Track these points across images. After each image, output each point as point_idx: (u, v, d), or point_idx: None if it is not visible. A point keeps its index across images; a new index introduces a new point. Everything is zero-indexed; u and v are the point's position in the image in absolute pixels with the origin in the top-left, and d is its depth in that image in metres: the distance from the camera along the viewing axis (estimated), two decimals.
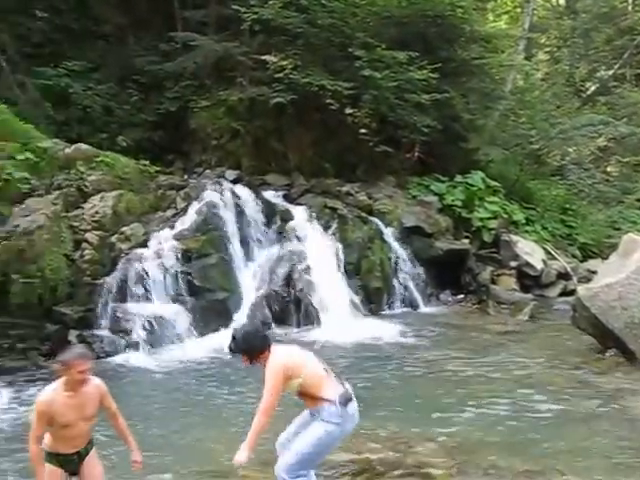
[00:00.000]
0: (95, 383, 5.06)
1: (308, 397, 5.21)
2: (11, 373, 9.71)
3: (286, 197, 14.17)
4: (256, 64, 15.13)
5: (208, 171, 14.32)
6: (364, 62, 14.68)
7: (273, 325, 12.01)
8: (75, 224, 11.16)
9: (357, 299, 13.02)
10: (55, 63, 15.15)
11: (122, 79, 15.90)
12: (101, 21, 16.91)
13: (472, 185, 15.88)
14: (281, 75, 14.50)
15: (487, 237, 15.39)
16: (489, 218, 15.50)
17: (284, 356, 5.16)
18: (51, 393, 4.92)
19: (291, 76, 14.43)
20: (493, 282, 14.54)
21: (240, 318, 11.85)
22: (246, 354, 5.19)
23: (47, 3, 15.71)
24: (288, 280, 12.51)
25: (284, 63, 14.55)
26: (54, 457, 5.03)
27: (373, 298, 13.41)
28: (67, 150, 11.87)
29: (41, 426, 4.90)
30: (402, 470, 6.52)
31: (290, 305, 12.35)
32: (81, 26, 16.44)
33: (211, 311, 11.68)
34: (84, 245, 11.08)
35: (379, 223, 14.20)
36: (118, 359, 10.40)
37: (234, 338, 5.21)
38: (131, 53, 16.25)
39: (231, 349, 5.21)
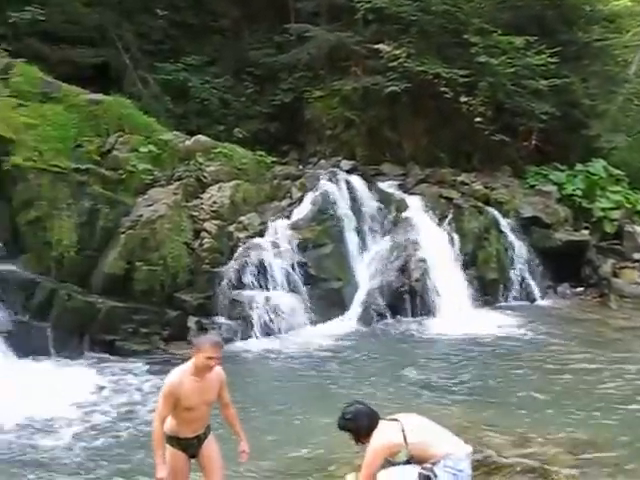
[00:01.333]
0: (217, 370, 5.15)
1: (420, 461, 5.15)
2: (134, 356, 10.17)
3: (401, 187, 14.06)
4: (370, 53, 15.07)
5: (323, 161, 14.38)
6: (480, 48, 14.36)
7: (387, 315, 11.99)
8: (194, 214, 11.47)
9: (472, 290, 12.82)
10: (174, 59, 15.66)
11: (237, 72, 16.23)
12: (217, 16, 17.33)
13: (593, 174, 15.26)
14: (395, 64, 14.39)
15: (609, 228, 14.75)
16: (611, 208, 14.85)
17: (386, 437, 5.10)
18: (179, 375, 5.04)
19: (405, 64, 14.29)
20: (615, 275, 13.93)
21: (355, 308, 11.94)
22: (353, 434, 5.21)
23: (167, 1, 16.22)
24: (403, 270, 12.42)
25: (398, 52, 14.42)
26: (175, 441, 5.15)
27: (488, 290, 13.14)
28: (187, 142, 12.21)
29: (167, 407, 5.03)
30: (522, 467, 6.35)
31: (405, 295, 12.27)
32: (198, 22, 16.91)
33: (326, 300, 11.77)
34: (203, 234, 11.38)
35: (496, 213, 13.87)
36: (235, 346, 10.62)
37: (344, 415, 5.22)
38: (246, 46, 16.56)
39: (339, 425, 5.23)
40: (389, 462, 5.14)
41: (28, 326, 9.86)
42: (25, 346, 9.62)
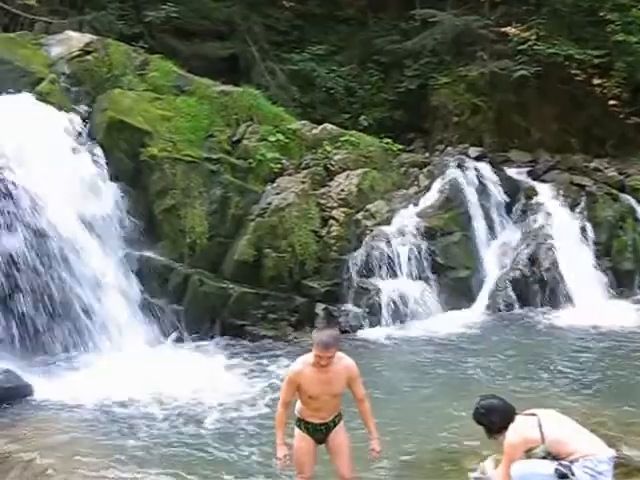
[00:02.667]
0: (345, 363, 5.13)
1: (557, 458, 4.98)
2: (263, 341, 10.38)
3: (530, 174, 13.62)
4: (497, 37, 14.72)
5: (449, 148, 14.14)
6: (616, 26, 13.69)
7: (516, 306, 11.68)
8: (322, 201, 11.56)
9: (606, 281, 12.28)
10: (301, 49, 15.90)
11: (363, 60, 16.27)
12: (342, 5, 17.46)
13: None
14: (524, 47, 14.01)
15: None
16: None
17: (523, 432, 4.98)
18: (302, 364, 5.09)
19: (535, 47, 13.86)
20: None
21: (483, 297, 11.71)
22: (486, 428, 5.12)
23: None
24: (532, 259, 12.05)
25: (527, 34, 14.02)
26: (303, 423, 5.22)
27: (624, 281, 12.50)
28: (314, 131, 12.31)
29: (288, 392, 5.11)
30: None
31: (534, 285, 11.90)
32: (323, 11, 17.10)
33: (453, 289, 11.60)
34: (331, 222, 11.45)
35: (632, 201, 13.18)
36: (363, 333, 10.66)
37: (479, 409, 5.13)
38: (371, 34, 16.58)
39: (474, 419, 5.14)
40: (527, 456, 5.03)
41: (163, 310, 10.25)
42: (161, 329, 10.06)
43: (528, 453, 5.03)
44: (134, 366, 8.86)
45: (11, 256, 8.96)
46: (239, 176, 11.23)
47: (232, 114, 11.69)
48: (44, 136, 9.63)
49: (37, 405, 8.09)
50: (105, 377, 8.53)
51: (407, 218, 11.82)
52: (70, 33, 11.65)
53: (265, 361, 9.56)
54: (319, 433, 5.23)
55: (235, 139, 11.52)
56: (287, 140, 11.82)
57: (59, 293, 9.18)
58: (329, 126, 12.54)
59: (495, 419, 5.08)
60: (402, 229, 11.62)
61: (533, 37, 13.92)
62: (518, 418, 5.06)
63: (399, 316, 11.04)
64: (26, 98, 10.05)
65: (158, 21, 14.55)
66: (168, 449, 7.01)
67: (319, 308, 10.89)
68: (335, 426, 5.25)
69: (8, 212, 8.98)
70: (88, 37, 11.63)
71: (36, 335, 9.17)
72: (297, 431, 5.24)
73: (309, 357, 5.07)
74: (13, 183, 9.02)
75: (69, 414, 7.88)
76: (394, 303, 11.09)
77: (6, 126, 9.32)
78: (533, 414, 5.08)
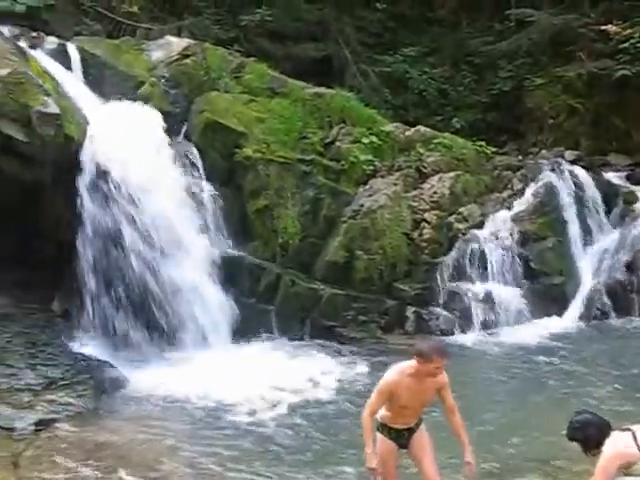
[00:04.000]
0: None
1: None
2: (352, 343, 10.39)
3: (629, 178, 13.13)
4: (597, 36, 14.28)
5: (544, 152, 13.81)
6: None
7: (612, 314, 11.31)
8: (414, 204, 11.49)
9: None
10: (393, 50, 15.87)
11: (455, 61, 16.12)
12: (435, 7, 17.34)
13: None
14: (626, 45, 13.52)
15: None
16: None
17: (619, 447, 4.77)
18: (398, 374, 5.03)
19: (638, 45, 13.38)
20: None
21: (576, 305, 11.33)
22: (581, 444, 4.93)
23: None
24: (630, 267, 11.63)
25: (629, 32, 13.54)
26: (386, 429, 5.19)
27: None
28: (407, 133, 12.25)
29: (379, 401, 5.07)
30: None
31: (632, 294, 11.49)
32: (416, 13, 17.02)
33: (546, 296, 11.29)
34: (423, 225, 11.37)
35: None
36: (453, 338, 10.52)
37: (572, 425, 4.97)
38: (464, 35, 16.41)
39: (568, 435, 4.97)
40: (624, 474, 4.86)
41: (254, 309, 10.43)
42: (251, 328, 10.22)
43: (628, 470, 4.87)
44: (224, 364, 9.08)
45: (114, 254, 9.33)
46: (331, 178, 11.29)
47: (325, 116, 11.75)
48: (145, 136, 9.93)
49: (132, 397, 8.37)
50: (196, 374, 8.76)
51: (500, 222, 11.61)
52: (170, 38, 11.99)
53: (354, 363, 9.56)
54: (402, 438, 5.21)
55: (328, 141, 11.58)
56: (380, 142, 11.79)
57: (156, 290, 9.46)
58: (422, 128, 12.45)
59: (591, 434, 4.90)
60: (495, 233, 11.43)
61: (636, 35, 13.44)
62: (614, 433, 4.90)
63: (490, 322, 10.88)
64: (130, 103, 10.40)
65: (252, 24, 14.82)
66: (255, 444, 7.22)
67: (409, 311, 10.83)
68: (417, 428, 5.23)
69: (111, 209, 9.36)
70: (186, 42, 11.93)
71: (132, 330, 9.50)
72: (380, 437, 5.20)
73: (405, 366, 5.03)
74: (118, 184, 9.37)
75: (162, 408, 8.14)
76: (485, 308, 10.93)
77: (112, 129, 9.71)
78: (629, 429, 4.92)
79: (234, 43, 14.06)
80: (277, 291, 10.60)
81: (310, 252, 10.98)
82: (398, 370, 5.07)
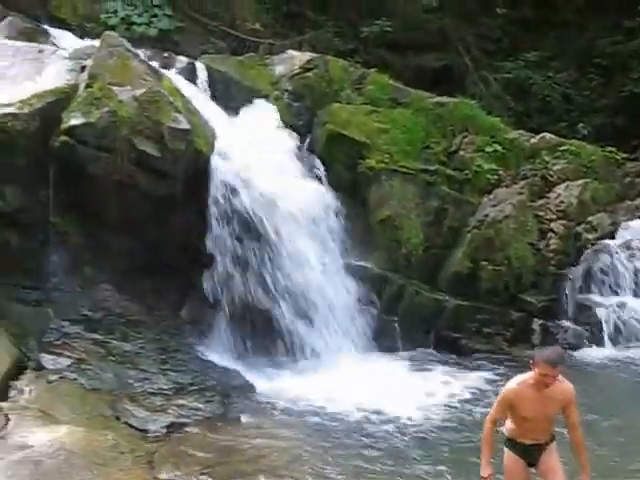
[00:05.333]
0: (563, 387, 4.88)
1: None
2: (477, 355, 10.25)
3: None
4: None
5: None
6: None
7: None
8: (540, 213, 11.21)
9: None
10: (514, 56, 15.51)
11: (581, 64, 15.58)
12: (558, 8, 16.80)
13: None
14: None
15: None
16: None
17: None
18: (518, 383, 4.92)
19: None
20: None
21: None
22: None
23: None
24: None
25: None
26: (513, 444, 5.05)
27: None
28: (532, 140, 11.98)
29: (499, 411, 4.98)
30: None
31: None
32: (537, 16, 16.54)
33: None
34: (549, 235, 11.07)
35: None
36: (581, 353, 10.21)
37: None
38: (590, 36, 15.80)
39: None
40: None
41: (378, 319, 10.43)
42: (375, 338, 10.25)
43: None
44: (350, 374, 9.12)
45: (242, 263, 9.57)
46: (455, 187, 11.19)
47: (448, 125, 11.66)
48: (271, 149, 10.24)
49: (259, 404, 8.49)
50: (322, 383, 8.85)
51: (633, 231, 11.14)
52: (292, 52, 12.24)
53: (478, 375, 9.44)
54: (531, 454, 5.04)
55: (451, 150, 11.49)
56: (504, 150, 11.59)
57: (284, 299, 9.64)
58: (548, 135, 12.13)
59: None
60: (628, 243, 10.98)
61: None
62: None
63: (621, 336, 10.47)
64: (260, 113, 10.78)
65: (372, 36, 14.87)
66: (381, 454, 7.20)
67: (536, 324, 10.57)
68: (547, 446, 5.04)
69: (239, 220, 9.62)
70: (308, 55, 12.14)
71: (257, 336, 9.69)
72: (507, 452, 5.09)
73: (527, 377, 4.90)
74: (246, 195, 9.64)
75: (288, 415, 8.22)
76: (617, 322, 10.50)
77: (239, 142, 10.08)
78: None
79: (354, 54, 14.19)
80: (401, 302, 10.57)
81: (434, 262, 10.89)
82: (519, 380, 4.95)
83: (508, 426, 5.08)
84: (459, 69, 15.18)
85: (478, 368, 9.78)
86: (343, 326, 9.99)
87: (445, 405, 8.52)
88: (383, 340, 10.30)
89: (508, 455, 5.09)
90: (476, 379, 9.32)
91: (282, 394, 8.67)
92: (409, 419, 8.06)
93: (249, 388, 8.75)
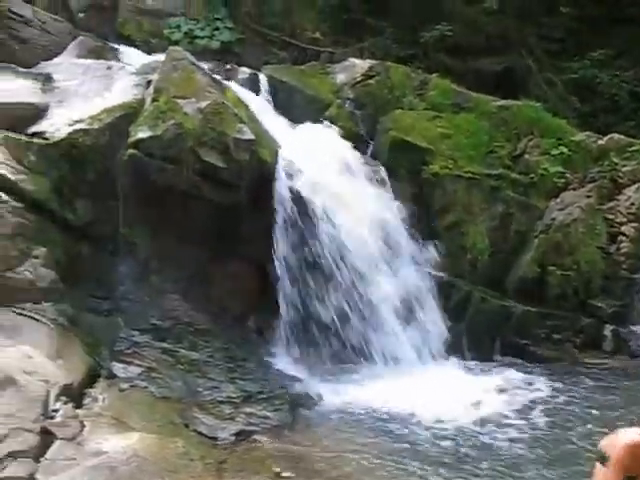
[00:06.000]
0: None
1: None
2: (545, 362, 10.04)
3: None
4: None
5: None
6: None
7: None
8: (609, 216, 10.92)
9: None
10: (579, 56, 15.18)
11: None
12: (624, 5, 16.39)
13: None
14: None
15: None
16: None
17: None
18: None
19: None
20: None
21: None
22: None
23: None
24: None
25: None
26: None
27: None
28: (600, 142, 11.68)
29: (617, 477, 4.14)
30: None
31: None
32: (603, 13, 16.16)
33: None
34: (620, 238, 10.77)
35: None
36: None
37: None
38: None
39: None
40: None
41: (444, 327, 10.30)
42: (442, 346, 10.10)
43: None
44: (415, 381, 9.07)
45: (308, 272, 9.63)
46: (521, 192, 10.99)
47: (512, 128, 11.48)
48: (335, 157, 10.29)
49: (326, 413, 8.49)
50: (388, 390, 8.80)
51: None
52: (353, 60, 12.26)
53: (548, 382, 9.26)
54: None
55: (516, 154, 11.29)
56: (570, 153, 11.33)
57: (351, 308, 9.64)
58: (616, 136, 11.81)
59: None
60: None
61: None
62: None
63: None
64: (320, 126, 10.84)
65: (432, 40, 14.78)
66: (450, 463, 7.18)
67: (607, 330, 10.29)
68: None
69: (305, 229, 9.68)
70: (369, 62, 12.14)
71: (324, 344, 9.71)
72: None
73: None
74: (311, 204, 9.70)
75: (356, 423, 8.19)
76: None
77: (303, 151, 10.16)
78: None
79: (414, 60, 14.11)
80: (467, 308, 10.45)
81: (500, 268, 10.73)
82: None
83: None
84: (522, 71, 14.94)
85: (547, 375, 9.57)
86: (409, 333, 9.93)
87: (512, 411, 8.40)
88: (450, 347, 10.19)
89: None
90: (545, 387, 9.15)
91: (350, 402, 8.66)
92: (476, 427, 7.98)
93: (317, 396, 8.76)
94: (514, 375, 9.57)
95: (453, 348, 10.20)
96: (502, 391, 9.04)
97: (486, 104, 11.72)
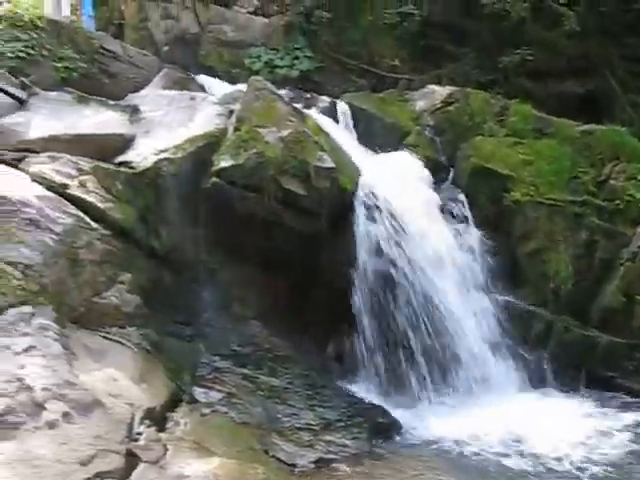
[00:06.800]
0: None
1: None
2: (636, 396, 9.71)
3: None
4: None
5: None
6: None
7: None
8: None
9: None
10: None
11: None
12: None
13: None
14: None
15: None
16: None
17: None
18: None
19: None
20: None
21: None
22: None
23: None
24: None
25: None
26: None
27: None
28: None
29: None
30: None
31: None
32: None
33: None
34: None
35: None
36: None
37: None
38: None
39: None
40: None
41: (526, 356, 10.12)
42: (523, 376, 9.92)
43: None
44: (497, 412, 8.88)
45: (386, 300, 9.60)
46: (606, 218, 10.72)
47: (596, 154, 11.23)
48: (415, 185, 10.34)
49: (406, 442, 8.44)
50: (467, 420, 8.67)
51: None
52: (433, 87, 12.28)
53: (634, 418, 8.94)
54: None
55: (600, 180, 11.03)
56: None
57: (429, 335, 9.56)
58: None
59: None
60: None
61: None
62: None
63: None
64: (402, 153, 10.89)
65: (512, 65, 14.64)
66: None
67: None
68: None
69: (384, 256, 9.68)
70: (449, 89, 12.14)
71: (403, 372, 9.61)
72: None
73: None
74: (391, 232, 9.70)
75: (438, 454, 8.08)
76: None
77: (383, 178, 10.18)
78: None
79: (494, 85, 14.01)
80: (550, 338, 10.22)
81: (584, 297, 10.46)
82: None
83: None
84: (605, 94, 14.61)
85: (635, 409, 9.26)
86: (489, 363, 9.76)
87: (602, 448, 8.11)
88: (531, 378, 9.97)
89: None
90: (632, 422, 8.84)
91: (429, 432, 8.57)
92: (565, 462, 7.75)
93: (396, 425, 8.69)
94: (599, 407, 9.34)
95: (536, 378, 9.99)
96: (586, 423, 8.79)
97: (568, 129, 11.52)
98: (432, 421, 8.80)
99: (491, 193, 10.79)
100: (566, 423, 8.72)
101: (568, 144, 11.32)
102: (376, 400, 9.18)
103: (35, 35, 11.75)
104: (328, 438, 8.12)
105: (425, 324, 9.54)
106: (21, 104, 10.31)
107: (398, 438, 8.52)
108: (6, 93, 10.26)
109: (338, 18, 14.99)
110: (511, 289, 10.48)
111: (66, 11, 14.33)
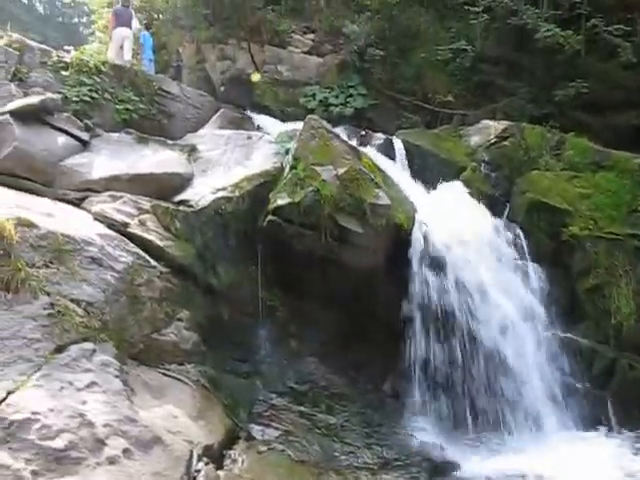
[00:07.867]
0: None
1: None
2: None
3: None
4: None
5: None
6: None
7: None
8: None
9: None
10: None
11: None
12: None
13: None
14: None
15: None
16: None
17: None
18: None
19: None
20: None
21: None
22: None
23: None
24: None
25: None
26: None
27: None
28: None
29: None
30: None
31: None
32: None
33: None
34: None
35: None
36: None
37: None
38: None
39: None
40: None
41: (588, 395, 9.85)
42: (585, 416, 9.65)
43: None
44: (558, 453, 8.63)
45: (443, 337, 9.51)
46: None
47: None
48: (472, 221, 10.23)
49: None
50: (527, 461, 8.43)
51: None
52: (487, 122, 12.27)
53: None
54: None
55: None
56: None
57: (485, 374, 9.42)
58: None
59: None
60: None
61: None
62: None
63: None
64: (457, 186, 10.86)
65: (567, 98, 14.53)
66: None
67: None
68: None
69: (441, 293, 9.62)
70: (503, 123, 12.10)
71: (460, 411, 9.48)
72: None
73: None
74: (448, 269, 9.65)
75: None
76: None
77: (439, 215, 10.15)
78: None
79: (548, 119, 13.91)
80: (613, 376, 9.93)
81: None
82: None
83: None
84: None
85: None
86: (550, 402, 9.53)
87: None
88: (595, 418, 9.66)
89: None
90: None
91: (487, 472, 8.35)
92: None
93: (454, 465, 8.52)
94: None
95: (598, 418, 9.70)
96: None
97: (627, 161, 11.34)
98: (490, 461, 8.61)
99: (549, 228, 10.67)
100: (626, 465, 8.41)
101: (627, 177, 11.14)
102: (434, 438, 9.04)
103: (99, 79, 12.17)
104: (386, 477, 8.02)
105: (483, 362, 9.40)
106: (84, 145, 10.65)
107: (457, 478, 8.34)
108: (70, 135, 10.60)
109: (391, 55, 15.14)
110: (571, 325, 10.26)
111: (128, 56, 14.79)
